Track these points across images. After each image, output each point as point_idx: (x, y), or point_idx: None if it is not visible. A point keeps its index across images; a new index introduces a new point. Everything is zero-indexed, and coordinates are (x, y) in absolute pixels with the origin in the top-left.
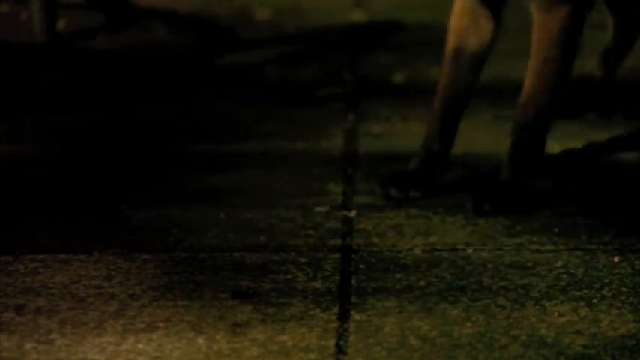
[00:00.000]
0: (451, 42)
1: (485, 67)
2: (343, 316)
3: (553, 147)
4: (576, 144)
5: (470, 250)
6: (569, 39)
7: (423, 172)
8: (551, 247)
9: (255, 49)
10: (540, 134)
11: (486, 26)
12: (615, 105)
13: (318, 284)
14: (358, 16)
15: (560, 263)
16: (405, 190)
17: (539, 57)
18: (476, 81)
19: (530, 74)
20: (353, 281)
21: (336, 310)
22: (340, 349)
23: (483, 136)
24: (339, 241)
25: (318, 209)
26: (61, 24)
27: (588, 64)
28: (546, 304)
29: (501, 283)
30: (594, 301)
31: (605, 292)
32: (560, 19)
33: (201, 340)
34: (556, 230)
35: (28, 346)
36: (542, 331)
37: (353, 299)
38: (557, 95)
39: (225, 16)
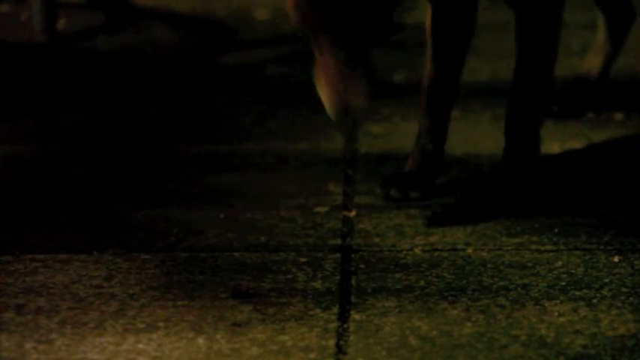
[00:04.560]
0: (429, 38)
1: (484, 67)
2: (343, 316)
3: (553, 147)
4: (576, 144)
5: (470, 250)
6: (549, 30)
7: (421, 172)
8: (551, 247)
9: (255, 49)
10: (534, 129)
11: (461, 19)
12: (612, 103)
13: (318, 284)
14: None
15: (560, 263)
16: (405, 191)
17: (521, 52)
18: (459, 74)
19: (516, 70)
20: (353, 281)
21: (336, 310)
22: (340, 349)
23: (483, 136)
24: (339, 241)
25: (318, 209)
26: (61, 24)
27: (584, 63)
28: (546, 304)
29: (501, 283)
30: (594, 301)
31: (605, 292)
32: (538, 13)
33: (201, 340)
34: (556, 230)
35: (28, 346)
36: (542, 331)
37: (353, 299)
38: (544, 90)
39: (225, 16)
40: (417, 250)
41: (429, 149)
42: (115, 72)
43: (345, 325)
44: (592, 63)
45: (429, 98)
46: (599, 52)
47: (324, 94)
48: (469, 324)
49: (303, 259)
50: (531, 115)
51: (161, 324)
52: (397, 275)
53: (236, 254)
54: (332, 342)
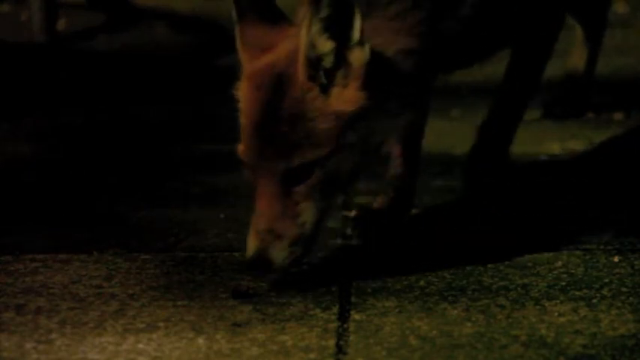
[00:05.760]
0: None
1: (484, 68)
2: (343, 316)
3: (553, 147)
4: (576, 144)
5: (470, 250)
6: (541, 55)
7: (391, 210)
8: (551, 247)
9: None
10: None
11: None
12: (612, 103)
13: (318, 284)
14: None
15: (560, 263)
16: (376, 231)
17: (517, 60)
18: (427, 108)
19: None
20: (353, 281)
21: (336, 310)
22: (340, 349)
23: None
24: (339, 241)
25: None
26: (61, 24)
27: (569, 59)
28: (546, 304)
29: (501, 283)
30: (594, 301)
31: (605, 292)
32: (533, 45)
33: (201, 340)
34: (556, 230)
35: (28, 346)
36: (542, 331)
37: (353, 299)
38: (525, 104)
39: (225, 16)
40: (417, 250)
41: (403, 186)
42: (115, 72)
43: (345, 325)
44: (577, 58)
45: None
46: (581, 47)
47: (250, 235)
48: (469, 324)
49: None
50: (511, 123)
51: (161, 324)
52: (397, 275)
53: (236, 254)
54: (332, 342)
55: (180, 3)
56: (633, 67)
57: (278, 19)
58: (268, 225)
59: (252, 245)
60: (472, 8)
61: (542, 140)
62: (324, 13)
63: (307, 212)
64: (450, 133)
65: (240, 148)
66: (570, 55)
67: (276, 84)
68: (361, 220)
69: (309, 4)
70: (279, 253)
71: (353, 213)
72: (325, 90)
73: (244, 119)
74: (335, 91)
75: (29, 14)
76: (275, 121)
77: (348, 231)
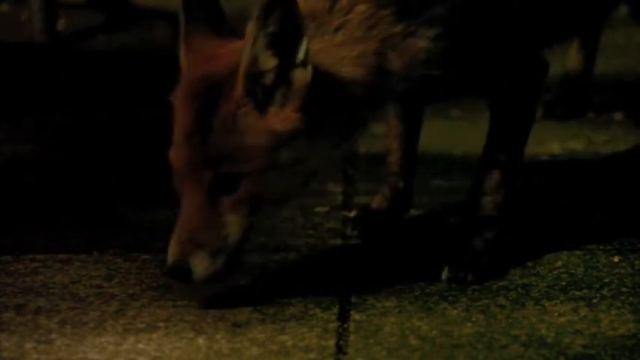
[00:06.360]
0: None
1: None
2: (343, 316)
3: (553, 147)
4: (576, 144)
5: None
6: (522, 120)
7: (390, 210)
8: (551, 247)
9: None
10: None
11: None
12: (612, 103)
13: (318, 284)
14: None
15: (560, 263)
16: (375, 230)
17: (494, 130)
18: (422, 110)
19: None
20: (353, 281)
21: (336, 310)
22: (340, 349)
23: (483, 136)
24: (339, 241)
25: (318, 209)
26: (61, 24)
27: (567, 59)
28: (546, 304)
29: (501, 283)
30: (594, 301)
31: (605, 292)
32: (512, 106)
33: (201, 340)
34: (556, 230)
35: (28, 346)
36: (542, 331)
37: (353, 299)
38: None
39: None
40: (417, 250)
41: (400, 187)
42: (115, 72)
43: (345, 325)
44: (576, 58)
45: (398, 138)
46: (580, 47)
47: (172, 240)
48: (469, 324)
49: (303, 259)
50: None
51: (161, 324)
52: (397, 275)
53: None
54: (332, 342)
55: (180, 3)
56: (633, 67)
57: (225, 33)
58: (190, 233)
59: (172, 252)
60: (427, 53)
61: (542, 140)
62: (271, 28)
63: (231, 225)
64: (450, 133)
65: (171, 153)
66: (569, 55)
67: (212, 94)
68: (361, 220)
69: (256, 18)
70: (198, 264)
71: (353, 213)
72: (261, 107)
73: (177, 125)
74: (272, 109)
75: (29, 14)
76: (206, 130)
77: (348, 231)
